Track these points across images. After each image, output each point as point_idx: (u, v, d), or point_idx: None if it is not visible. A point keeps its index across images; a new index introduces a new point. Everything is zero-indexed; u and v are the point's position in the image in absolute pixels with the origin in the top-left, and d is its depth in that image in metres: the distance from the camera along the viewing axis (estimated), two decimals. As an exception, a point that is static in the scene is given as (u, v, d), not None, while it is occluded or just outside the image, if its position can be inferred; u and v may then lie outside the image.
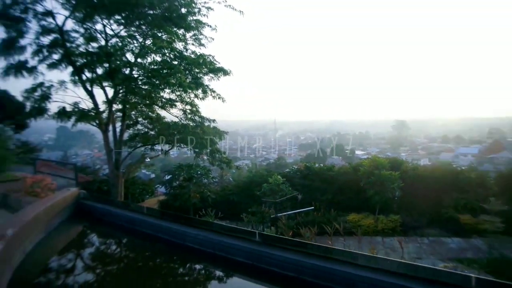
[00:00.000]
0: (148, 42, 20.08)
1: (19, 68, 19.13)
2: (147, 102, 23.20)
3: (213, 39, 22.76)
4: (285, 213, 16.85)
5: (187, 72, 20.95)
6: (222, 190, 22.48)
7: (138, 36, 20.36)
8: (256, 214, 18.77)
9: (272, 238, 4.07)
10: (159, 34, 20.01)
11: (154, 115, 24.19)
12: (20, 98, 20.92)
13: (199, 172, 20.56)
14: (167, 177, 21.51)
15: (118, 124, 23.01)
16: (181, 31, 20.76)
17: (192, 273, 4.46)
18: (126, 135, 23.62)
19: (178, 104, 22.41)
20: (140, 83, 21.52)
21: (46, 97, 19.50)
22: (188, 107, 22.20)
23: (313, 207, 17.46)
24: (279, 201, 16.97)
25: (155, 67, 19.62)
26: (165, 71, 19.61)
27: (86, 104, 21.09)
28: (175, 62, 20.30)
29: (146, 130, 24.64)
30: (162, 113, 23.98)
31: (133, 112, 24.03)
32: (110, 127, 22.02)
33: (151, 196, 27.41)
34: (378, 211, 17.55)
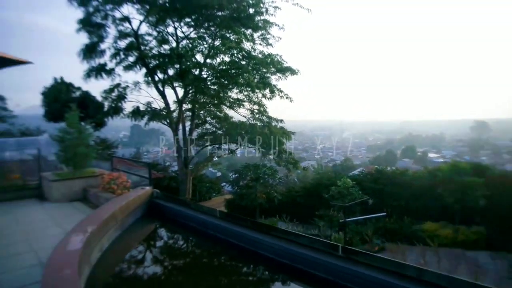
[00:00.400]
0: (217, 43, 20.32)
1: (99, 70, 20.36)
2: (215, 102, 23.47)
3: (280, 38, 22.52)
4: (355, 218, 16.07)
5: (255, 72, 21.03)
6: (288, 191, 22.16)
7: (207, 38, 20.63)
8: (323, 217, 18.22)
9: (356, 252, 3.63)
10: (227, 35, 20.17)
11: (221, 114, 24.42)
12: (99, 99, 22.36)
13: (266, 173, 20.39)
14: (234, 177, 21.62)
15: (187, 123, 23.66)
16: (248, 31, 20.73)
17: (266, 284, 4.19)
18: (194, 134, 24.11)
19: (246, 104, 22.41)
20: (209, 83, 21.83)
21: (122, 97, 20.53)
22: (255, 107, 22.19)
23: (385, 213, 16.45)
24: (348, 205, 16.21)
25: (224, 67, 19.77)
26: (233, 71, 19.73)
27: (158, 103, 21.91)
28: (243, 62, 20.35)
29: (214, 129, 24.96)
30: (230, 113, 24.26)
31: (201, 112, 24.49)
32: (180, 126, 22.61)
33: (217, 194, 27.93)
34: (458, 221, 16.11)
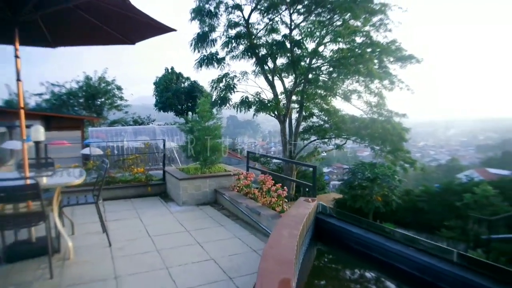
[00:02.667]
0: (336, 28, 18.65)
1: (210, 59, 19.92)
2: (326, 93, 21.91)
3: (400, 23, 20.05)
4: (504, 236, 13.17)
5: (376, 60, 19.07)
6: (406, 194, 19.55)
7: (327, 22, 19.04)
8: (454, 229, 15.56)
9: None
10: (344, 20, 18.47)
11: (329, 107, 22.74)
12: (207, 89, 22.23)
13: (384, 173, 18.17)
14: (347, 176, 19.76)
15: (294, 116, 22.49)
16: (363, 17, 18.73)
17: None
18: (300, 127, 22.88)
19: (363, 95, 20.44)
20: (323, 73, 20.30)
21: (230, 87, 19.95)
22: (375, 98, 20.15)
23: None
24: (495, 218, 13.35)
25: (343, 54, 17.98)
26: (352, 59, 17.86)
27: (265, 94, 21.03)
28: (369, 50, 18.43)
29: (322, 122, 23.43)
30: (340, 105, 22.64)
31: (309, 104, 23.13)
32: (287, 119, 21.53)
33: (322, 191, 26.24)
34: None
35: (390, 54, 19.34)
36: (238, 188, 6.27)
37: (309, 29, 17.22)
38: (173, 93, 24.94)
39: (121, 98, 26.39)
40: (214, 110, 7.34)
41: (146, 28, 4.00)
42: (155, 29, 3.92)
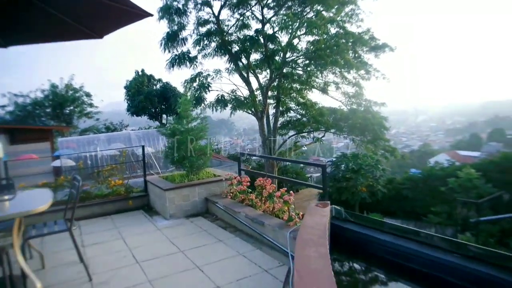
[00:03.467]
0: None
1: (182, 59, 19.18)
2: (303, 87, 21.61)
3: (371, 13, 19.93)
4: (496, 217, 13.15)
5: (351, 51, 18.92)
6: (389, 182, 19.45)
7: (300, 15, 18.66)
8: (440, 214, 15.58)
9: None
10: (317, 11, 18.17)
11: (305, 100, 22.47)
12: (181, 89, 21.52)
13: (368, 163, 17.97)
14: (330, 168, 19.45)
15: (271, 112, 22.06)
16: (332, 11, 18.51)
17: None
18: (278, 123, 22.51)
19: (341, 86, 20.24)
20: (299, 66, 19.93)
21: (204, 86, 19.30)
22: (353, 89, 20.02)
23: (536, 213, 13.26)
24: (481, 201, 13.30)
25: (318, 46, 17.61)
26: (328, 50, 17.52)
27: (241, 92, 20.57)
28: (343, 40, 18.14)
29: (299, 116, 23.12)
30: (318, 98, 22.49)
31: (286, 99, 22.80)
32: (264, 115, 21.07)
33: (304, 187, 25.89)
34: None
35: (364, 44, 19.19)
36: (231, 194, 5.62)
37: (283, 21, 16.74)
38: (145, 96, 24.05)
39: (91, 105, 25.31)
40: (199, 115, 6.66)
41: (116, 15, 3.29)
42: (127, 16, 3.22)
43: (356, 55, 19.44)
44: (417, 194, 18.39)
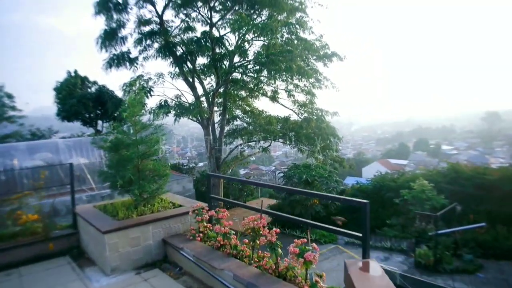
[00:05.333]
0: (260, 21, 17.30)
1: (121, 60, 17.42)
2: (252, 94, 20.63)
3: (319, 21, 19.47)
4: (450, 230, 13.01)
5: (303, 57, 18.22)
6: (340, 194, 18.97)
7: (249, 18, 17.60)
8: (395, 226, 15.31)
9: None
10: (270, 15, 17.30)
11: (251, 108, 21.58)
12: (119, 94, 19.52)
13: (321, 174, 17.28)
14: (282, 180, 18.55)
15: (216, 119, 20.82)
16: (284, 15, 17.75)
17: None
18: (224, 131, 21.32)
19: (295, 93, 19.54)
20: (250, 71, 18.82)
21: (146, 90, 17.53)
22: (305, 97, 19.33)
23: (484, 224, 13.27)
24: (439, 214, 13.07)
25: (271, 51, 16.63)
26: (281, 56, 16.60)
27: (185, 97, 19.20)
28: (297, 46, 17.38)
29: (246, 125, 22.04)
30: (269, 106, 21.68)
31: (233, 106, 21.67)
32: (210, 122, 19.74)
33: (250, 197, 24.77)
34: None
35: (315, 51, 18.62)
36: (202, 235, 4.05)
37: (236, 22, 15.51)
38: (79, 99, 21.34)
39: (14, 108, 21.96)
40: (152, 123, 4.88)
41: None
42: None
43: (306, 62, 18.74)
44: (370, 206, 17.89)
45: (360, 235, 3.08)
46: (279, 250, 2.99)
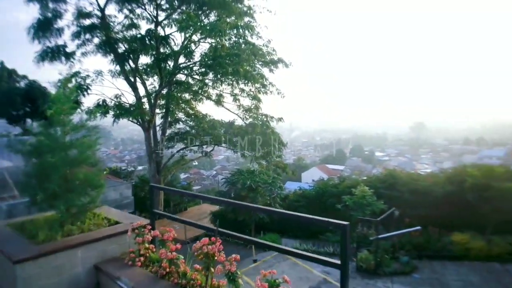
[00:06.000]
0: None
1: (56, 53, 16.08)
2: (196, 97, 20.09)
3: (267, 27, 19.56)
4: (389, 235, 13.45)
5: (250, 62, 17.93)
6: (283, 199, 18.96)
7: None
8: (336, 232, 15.59)
9: None
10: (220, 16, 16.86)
11: (194, 112, 21.17)
12: (52, 90, 18.00)
13: (265, 180, 17.08)
14: (225, 186, 18.11)
15: (159, 122, 20.14)
16: (231, 19, 17.52)
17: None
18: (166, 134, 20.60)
19: (240, 98, 19.33)
20: (196, 73, 18.25)
21: (82, 88, 16.30)
22: (250, 102, 19.20)
23: (419, 227, 13.93)
24: (380, 219, 13.45)
25: (219, 53, 16.17)
26: (228, 58, 16.21)
27: (126, 98, 18.27)
28: (245, 48, 17.13)
29: (188, 129, 21.52)
30: (213, 110, 21.25)
31: (176, 108, 21.00)
32: (152, 125, 18.94)
33: (192, 204, 24.01)
34: (489, 231, 14.10)
35: (262, 56, 18.58)
36: (143, 258, 3.31)
37: (184, 20, 14.89)
38: (5, 94, 19.36)
39: None
40: (84, 122, 4.13)
41: None
42: None
43: (253, 67, 18.58)
44: (313, 212, 17.96)
45: (338, 262, 2.67)
46: (240, 281, 2.52)
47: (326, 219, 2.71)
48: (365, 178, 19.89)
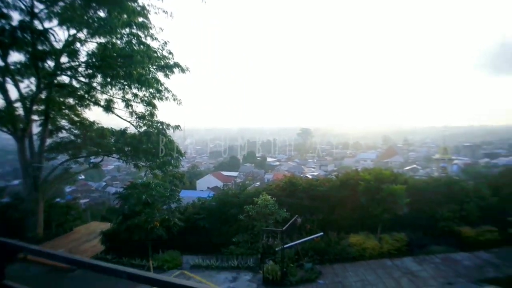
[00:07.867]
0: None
1: None
2: (82, 102, 17.96)
3: (162, 30, 18.34)
4: (293, 243, 13.47)
5: (143, 64, 16.47)
6: (182, 213, 17.92)
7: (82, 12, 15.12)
8: (241, 244, 15.13)
9: None
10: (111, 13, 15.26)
11: (80, 119, 19.04)
12: None
13: (161, 193, 15.87)
14: (118, 202, 16.42)
15: (36, 130, 17.67)
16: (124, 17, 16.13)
17: None
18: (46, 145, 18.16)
19: (132, 104, 17.57)
20: (81, 75, 16.24)
21: None
22: (144, 109, 17.69)
23: (322, 233, 14.31)
24: (284, 229, 13.41)
25: (108, 53, 14.59)
26: (119, 60, 14.73)
27: None
28: (138, 49, 15.64)
29: (73, 138, 19.25)
30: (102, 117, 19.27)
31: (57, 115, 18.61)
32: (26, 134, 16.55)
33: (79, 222, 21.29)
34: (379, 230, 15.34)
35: (157, 59, 17.40)
36: None
37: (68, 12, 13.07)
38: None
39: None
40: None
41: None
42: None
43: (147, 71, 17.32)
44: (214, 224, 17.40)
45: None
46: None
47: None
48: (258, 184, 19.97)
